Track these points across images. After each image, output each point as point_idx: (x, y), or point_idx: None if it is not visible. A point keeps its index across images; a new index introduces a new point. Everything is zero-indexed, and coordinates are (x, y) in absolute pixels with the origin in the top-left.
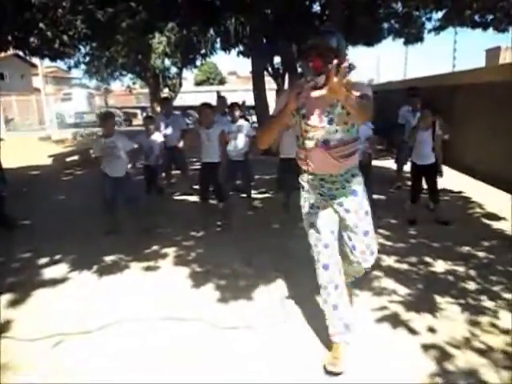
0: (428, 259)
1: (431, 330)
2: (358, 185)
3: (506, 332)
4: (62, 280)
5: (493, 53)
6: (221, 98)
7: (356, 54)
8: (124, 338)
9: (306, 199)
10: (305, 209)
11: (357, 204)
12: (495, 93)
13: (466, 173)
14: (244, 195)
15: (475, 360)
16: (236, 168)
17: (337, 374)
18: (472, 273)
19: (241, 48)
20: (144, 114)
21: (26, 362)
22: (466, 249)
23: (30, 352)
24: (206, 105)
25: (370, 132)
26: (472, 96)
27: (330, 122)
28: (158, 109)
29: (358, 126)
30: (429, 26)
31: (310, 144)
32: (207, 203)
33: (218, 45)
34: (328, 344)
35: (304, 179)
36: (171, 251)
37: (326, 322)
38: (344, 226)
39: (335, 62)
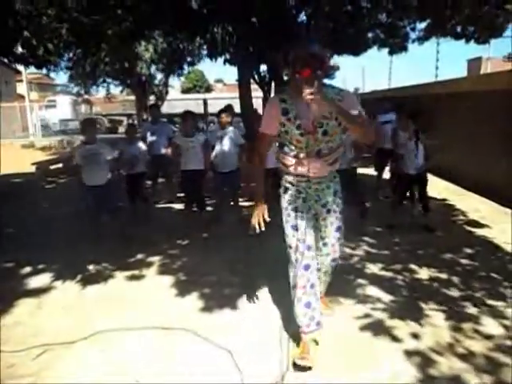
0: (412, 266)
1: (415, 336)
2: (337, 185)
3: (488, 337)
4: (46, 290)
5: (474, 63)
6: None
7: (342, 64)
8: (108, 348)
9: (291, 202)
10: (287, 211)
11: (337, 204)
12: (476, 101)
13: (449, 179)
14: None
15: (458, 365)
16: (224, 179)
17: (306, 369)
18: (456, 280)
19: (227, 56)
20: (130, 121)
21: (8, 374)
22: (449, 256)
23: (12, 364)
24: (188, 113)
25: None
26: (454, 104)
27: (324, 133)
28: (145, 116)
29: (341, 133)
30: (413, 36)
31: (302, 152)
32: (192, 211)
33: (204, 52)
34: (298, 340)
35: (289, 181)
36: (156, 260)
37: (297, 320)
38: (321, 224)
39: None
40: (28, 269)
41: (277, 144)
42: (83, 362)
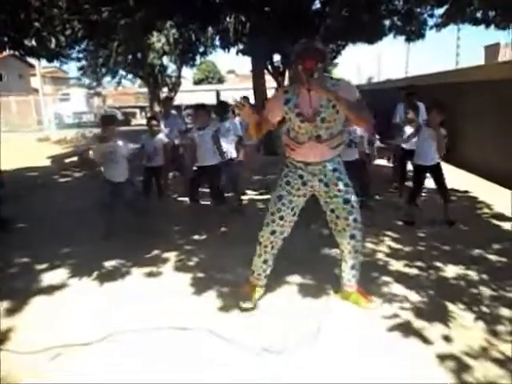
0: (438, 263)
1: (446, 338)
2: (338, 164)
3: None
4: (61, 287)
5: (492, 49)
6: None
7: (356, 52)
8: (126, 349)
9: (287, 176)
10: (281, 182)
11: (337, 179)
12: (497, 90)
13: (470, 171)
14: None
15: (494, 371)
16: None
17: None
18: (485, 278)
19: (240, 46)
20: (143, 114)
21: (25, 376)
22: (477, 252)
23: (28, 365)
24: (200, 106)
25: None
26: (475, 93)
27: (322, 120)
28: (157, 108)
29: (341, 120)
30: (430, 22)
31: (303, 138)
32: (199, 204)
33: (217, 43)
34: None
35: (290, 163)
36: (172, 256)
37: (253, 268)
38: (326, 200)
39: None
40: (43, 265)
41: (286, 129)
42: (100, 364)
